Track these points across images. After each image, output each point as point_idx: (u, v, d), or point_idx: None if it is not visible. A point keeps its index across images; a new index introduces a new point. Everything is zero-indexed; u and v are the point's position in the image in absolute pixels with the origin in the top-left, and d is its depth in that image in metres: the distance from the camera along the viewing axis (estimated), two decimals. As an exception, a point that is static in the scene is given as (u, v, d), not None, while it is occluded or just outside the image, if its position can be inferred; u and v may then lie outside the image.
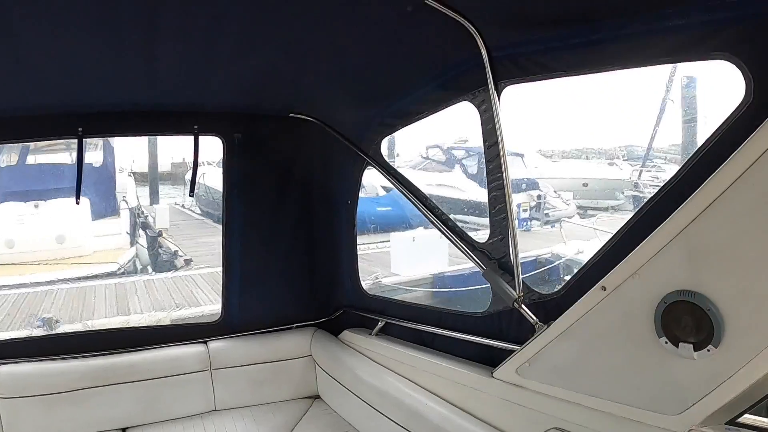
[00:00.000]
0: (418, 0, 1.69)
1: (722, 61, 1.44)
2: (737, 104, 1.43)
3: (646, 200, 1.70)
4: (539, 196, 12.96)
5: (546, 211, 12.94)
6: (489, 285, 2.25)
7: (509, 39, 1.86)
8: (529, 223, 12.85)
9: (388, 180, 2.71)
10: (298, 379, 3.37)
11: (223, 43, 2.03)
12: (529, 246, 10.36)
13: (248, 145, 3.15)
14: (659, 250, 1.54)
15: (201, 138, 3.06)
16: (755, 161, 1.31)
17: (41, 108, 2.74)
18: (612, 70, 1.68)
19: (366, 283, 3.27)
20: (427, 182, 12.37)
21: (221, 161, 3.19)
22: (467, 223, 12.09)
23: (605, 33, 1.64)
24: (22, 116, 2.78)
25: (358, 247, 3.25)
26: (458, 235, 2.37)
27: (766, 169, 1.31)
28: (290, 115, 3.11)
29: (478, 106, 2.09)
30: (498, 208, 2.13)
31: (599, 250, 1.83)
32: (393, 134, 2.74)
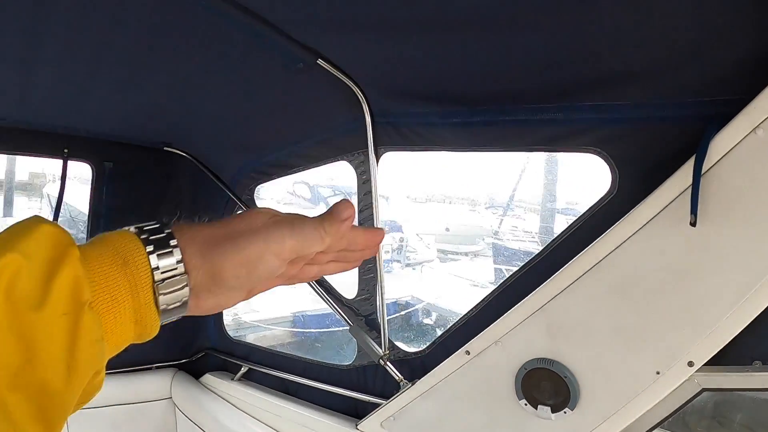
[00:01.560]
0: (311, 59, 1.69)
1: (592, 155, 1.56)
2: (603, 194, 1.57)
3: (510, 274, 1.79)
4: (401, 239, 13.21)
5: (407, 254, 13.19)
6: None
7: (393, 108, 1.91)
8: (390, 264, 13.05)
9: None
10: (158, 423, 3.20)
11: (106, 69, 1.91)
12: (389, 288, 10.49)
13: (119, 174, 2.98)
14: (521, 322, 1.63)
15: (69, 163, 2.87)
16: (612, 251, 1.44)
17: None
18: (488, 152, 1.77)
19: (226, 319, 3.16)
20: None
21: (90, 184, 2.99)
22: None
23: (484, 117, 1.72)
24: None
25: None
26: (326, 290, 2.37)
27: (621, 259, 1.43)
28: (165, 148, 2.99)
29: (356, 168, 2.12)
30: (367, 267, 2.16)
31: (464, 315, 1.90)
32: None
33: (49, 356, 0.44)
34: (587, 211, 1.60)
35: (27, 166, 16.75)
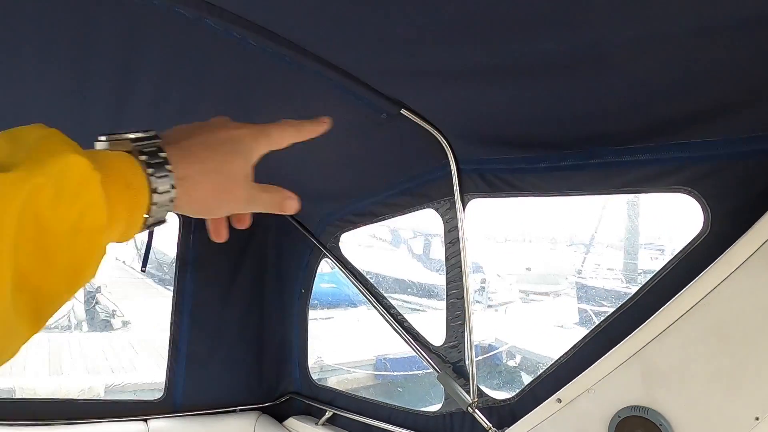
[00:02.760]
0: (394, 110, 1.74)
1: (682, 195, 1.53)
2: (695, 235, 1.53)
3: (602, 319, 1.75)
4: (483, 280, 13.08)
5: (489, 295, 13.03)
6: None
7: (478, 155, 1.92)
8: (473, 306, 12.92)
9: (345, 275, 2.70)
10: None
11: (197, 115, 2.01)
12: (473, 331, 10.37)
13: (204, 225, 3.08)
14: (615, 368, 1.59)
15: None
16: (707, 293, 1.39)
17: None
18: (575, 195, 1.75)
19: (309, 361, 3.22)
20: (371, 260, 12.33)
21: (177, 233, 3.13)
22: (409, 303, 12.06)
23: (572, 161, 1.71)
24: None
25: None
26: (414, 337, 2.37)
27: (717, 301, 1.38)
28: None
29: (442, 216, 2.13)
30: (456, 315, 2.15)
31: (554, 362, 1.86)
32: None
33: (64, 271, 0.50)
34: (680, 252, 1.56)
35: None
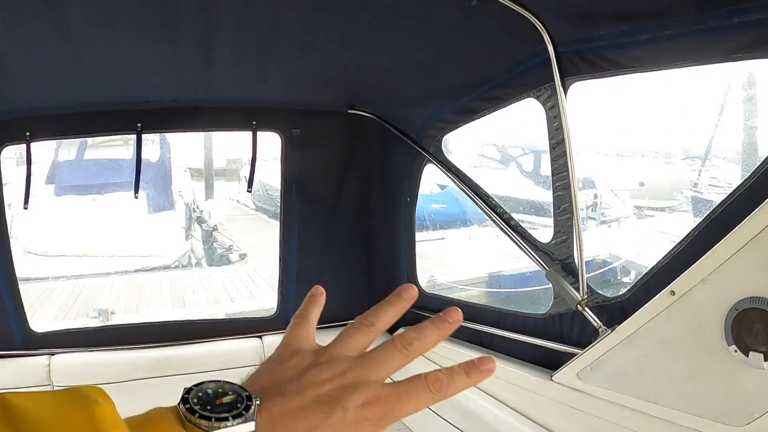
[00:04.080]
0: (483, -5, 1.70)
1: None
2: None
3: (715, 204, 1.67)
4: (595, 195, 12.74)
5: (602, 211, 12.70)
6: (549, 286, 2.25)
7: (576, 34, 1.85)
8: (585, 222, 12.66)
9: (449, 178, 2.72)
10: None
11: (282, 39, 2.07)
12: (585, 246, 10.22)
13: (306, 141, 3.21)
14: (731, 256, 1.52)
15: (259, 133, 3.14)
16: None
17: (101, 104, 2.86)
18: (683, 67, 1.66)
19: (422, 281, 3.29)
20: (480, 180, 12.32)
21: (279, 157, 3.26)
22: (522, 222, 11.99)
23: (677, 28, 1.61)
24: (82, 112, 2.90)
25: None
26: (520, 235, 2.37)
27: None
28: (349, 111, 3.15)
29: (543, 104, 2.09)
30: (563, 208, 2.12)
31: (667, 254, 1.81)
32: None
33: None
34: None
35: (223, 154, 18.38)
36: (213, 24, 1.90)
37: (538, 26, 1.83)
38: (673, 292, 1.67)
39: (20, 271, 3.09)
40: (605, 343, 1.92)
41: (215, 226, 15.17)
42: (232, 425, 0.52)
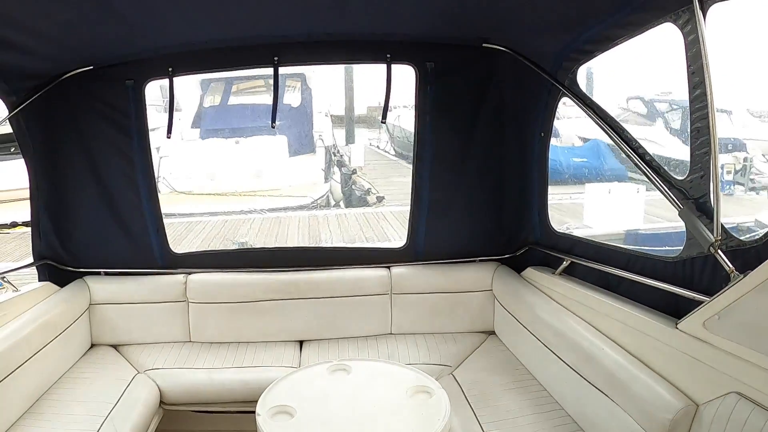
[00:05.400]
0: None
1: None
2: None
3: None
4: (746, 159, 11.85)
5: (752, 177, 11.82)
6: (684, 228, 2.15)
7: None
8: (732, 187, 11.84)
9: (583, 110, 2.64)
10: (475, 313, 3.50)
11: None
12: (731, 212, 9.57)
13: (440, 74, 3.25)
14: None
15: (395, 69, 3.21)
16: None
17: (239, 39, 3.05)
18: None
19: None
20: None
21: (414, 87, 3.31)
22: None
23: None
24: (220, 48, 3.13)
25: (551, 195, 3.25)
26: (655, 171, 2.28)
27: None
28: (483, 45, 3.15)
29: (681, 28, 1.97)
30: (700, 141, 2.00)
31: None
32: (591, 67, 2.65)
33: None
34: None
35: (364, 102, 18.58)
36: None
37: None
38: None
39: (167, 207, 3.40)
40: (736, 289, 1.81)
41: (354, 169, 15.59)
42: None
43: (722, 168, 11.95)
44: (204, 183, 13.23)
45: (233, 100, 15.02)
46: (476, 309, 3.48)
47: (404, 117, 15.74)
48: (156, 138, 3.37)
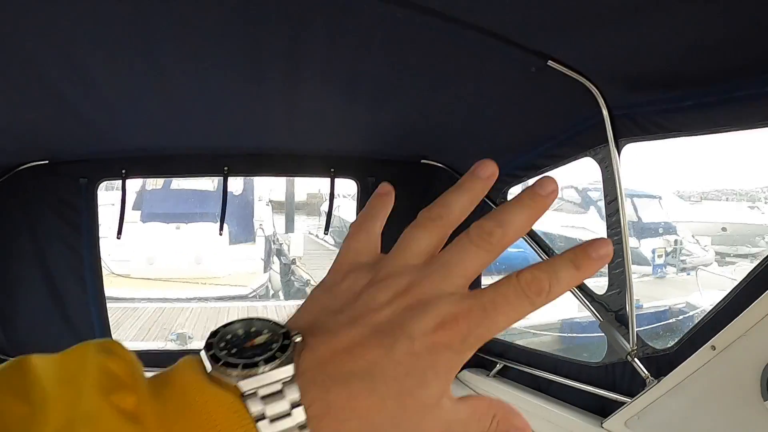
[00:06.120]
0: (541, 62, 1.91)
1: None
2: None
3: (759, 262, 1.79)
4: (675, 241, 12.51)
5: (682, 258, 12.42)
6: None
7: (628, 99, 2.03)
8: (664, 269, 12.39)
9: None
10: None
11: (360, 96, 2.34)
12: (663, 294, 10.04)
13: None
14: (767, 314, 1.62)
15: (337, 180, 3.46)
16: None
17: (191, 148, 3.23)
18: (722, 132, 1.81)
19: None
20: (561, 223, 12.32)
21: (356, 199, 3.54)
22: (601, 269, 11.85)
23: (716, 96, 1.77)
24: (174, 155, 3.28)
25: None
26: (578, 287, 2.53)
27: None
28: (422, 161, 3.41)
29: (599, 162, 2.26)
30: (616, 262, 2.26)
31: (713, 308, 1.92)
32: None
33: None
34: None
35: (305, 188, 18.80)
36: (296, 81, 2.18)
37: (594, 91, 2.02)
38: (713, 347, 1.79)
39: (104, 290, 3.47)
40: (652, 393, 2.04)
41: (294, 259, 15.65)
42: (264, 371, 0.40)
43: (653, 252, 12.51)
44: (143, 267, 13.10)
45: (175, 184, 15.07)
46: None
47: (344, 207, 16.02)
48: (104, 230, 3.43)
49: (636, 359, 2.18)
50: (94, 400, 0.37)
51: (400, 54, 1.95)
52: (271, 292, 14.56)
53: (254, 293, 13.67)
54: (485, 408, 0.47)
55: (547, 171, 2.64)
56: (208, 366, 0.41)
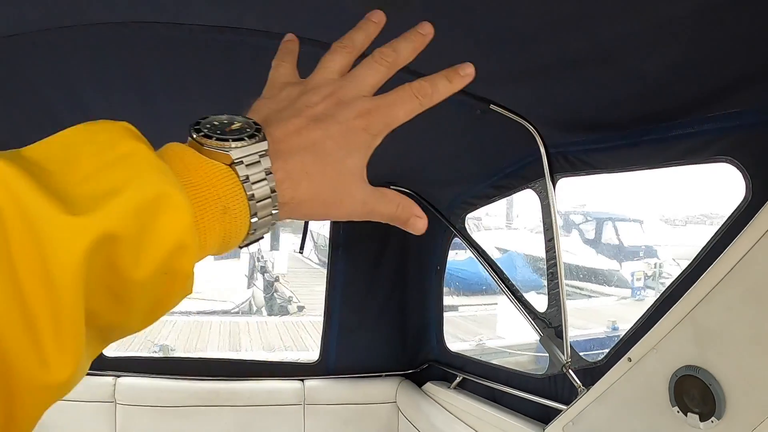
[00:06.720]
0: (485, 106, 2.18)
1: (724, 164, 1.76)
2: (738, 202, 1.73)
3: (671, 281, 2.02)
4: (656, 264, 12.69)
5: (663, 281, 12.55)
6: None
7: (561, 139, 2.31)
8: (643, 292, 12.53)
9: (469, 250, 3.17)
10: (382, 423, 3.88)
11: None
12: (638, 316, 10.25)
13: None
14: (672, 328, 1.83)
15: None
16: (742, 257, 1.58)
17: None
18: (638, 170, 2.08)
19: (470, 344, 3.73)
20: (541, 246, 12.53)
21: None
22: (581, 289, 12.05)
23: (628, 139, 2.05)
24: None
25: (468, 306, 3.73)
26: (523, 304, 2.78)
27: (752, 264, 1.56)
28: (390, 187, 3.63)
29: (538, 194, 2.54)
30: (554, 283, 2.53)
31: (634, 324, 2.17)
32: (485, 206, 3.19)
33: (142, 311, 0.47)
34: (727, 219, 1.77)
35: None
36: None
37: (532, 131, 2.29)
38: (630, 359, 2.01)
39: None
40: (582, 401, 2.28)
41: (277, 276, 15.80)
42: (249, 144, 0.53)
43: (632, 275, 12.65)
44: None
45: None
46: (383, 420, 3.87)
47: (327, 226, 16.11)
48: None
49: (570, 370, 2.42)
50: (130, 144, 0.47)
51: None
52: (254, 308, 14.69)
53: (237, 308, 13.81)
54: (393, 195, 0.69)
55: (496, 200, 2.92)
56: (198, 141, 0.53)
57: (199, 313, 12.80)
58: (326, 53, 0.69)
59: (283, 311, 14.38)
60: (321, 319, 4.02)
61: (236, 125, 0.55)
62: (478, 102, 2.16)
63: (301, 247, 4.03)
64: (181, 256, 0.46)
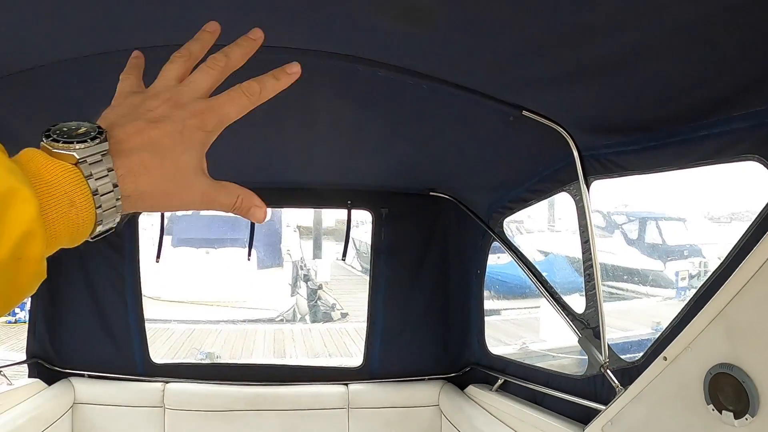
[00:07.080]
0: (517, 112, 2.26)
1: (752, 162, 1.76)
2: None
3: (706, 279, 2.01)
4: (701, 264, 12.42)
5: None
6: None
7: (591, 142, 2.38)
8: (687, 292, 12.25)
9: (508, 253, 3.24)
10: (425, 426, 3.95)
11: (366, 140, 2.77)
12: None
13: (394, 218, 3.91)
14: (706, 326, 1.84)
15: (354, 210, 3.89)
16: None
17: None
18: (668, 171, 2.12)
19: (513, 348, 3.78)
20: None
21: (371, 227, 3.97)
22: (623, 290, 11.86)
23: (658, 140, 2.10)
24: None
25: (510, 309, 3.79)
26: (561, 306, 2.83)
27: None
28: (430, 193, 3.80)
29: (573, 197, 2.59)
30: (591, 284, 2.57)
31: (670, 323, 2.18)
32: (524, 209, 3.26)
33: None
34: (757, 216, 1.77)
35: (334, 214, 19.11)
36: (309, 124, 2.57)
37: (565, 136, 2.36)
38: (665, 358, 2.03)
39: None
40: (620, 401, 2.31)
41: (320, 285, 15.95)
42: (91, 145, 0.60)
43: (676, 275, 12.40)
44: (173, 290, 13.48)
45: (204, 210, 15.43)
46: (426, 422, 3.94)
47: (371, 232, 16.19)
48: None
49: (608, 371, 2.46)
50: None
51: (396, 106, 2.32)
52: (298, 315, 14.87)
53: (281, 316, 14.00)
54: (234, 188, 0.74)
55: (533, 204, 2.99)
56: (49, 146, 0.59)
57: (244, 321, 13.04)
58: (166, 63, 0.76)
59: (328, 318, 14.57)
60: (364, 325, 4.11)
61: (82, 130, 0.61)
62: (511, 108, 2.23)
63: (344, 255, 4.15)
64: (30, 242, 0.51)
